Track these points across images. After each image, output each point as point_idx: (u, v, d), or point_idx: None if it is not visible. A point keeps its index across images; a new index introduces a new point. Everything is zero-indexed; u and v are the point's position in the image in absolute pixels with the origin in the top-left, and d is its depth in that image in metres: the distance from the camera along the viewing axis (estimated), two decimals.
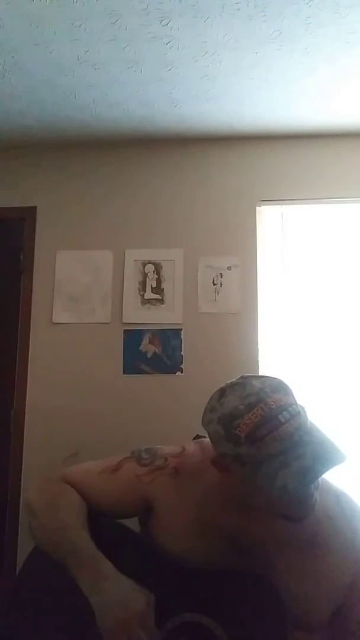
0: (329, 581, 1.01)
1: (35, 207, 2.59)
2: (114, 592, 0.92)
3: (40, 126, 2.43)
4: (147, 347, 2.42)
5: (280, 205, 2.51)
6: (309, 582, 1.00)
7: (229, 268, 2.44)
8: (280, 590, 0.97)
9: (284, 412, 0.89)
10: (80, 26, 1.75)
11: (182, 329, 2.42)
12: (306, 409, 0.95)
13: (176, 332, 2.41)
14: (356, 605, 1.02)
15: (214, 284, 2.44)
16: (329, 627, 1.07)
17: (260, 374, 1.01)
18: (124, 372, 2.41)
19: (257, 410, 0.89)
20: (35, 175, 2.61)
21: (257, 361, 2.35)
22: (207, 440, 0.98)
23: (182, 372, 2.38)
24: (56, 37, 1.81)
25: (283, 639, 0.93)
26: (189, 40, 1.81)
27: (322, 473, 0.87)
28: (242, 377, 0.98)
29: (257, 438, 0.87)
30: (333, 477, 1.08)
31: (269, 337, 2.40)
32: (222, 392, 0.96)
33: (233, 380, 0.98)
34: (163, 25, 1.74)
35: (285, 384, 0.96)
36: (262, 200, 2.51)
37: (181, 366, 2.39)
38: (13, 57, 1.91)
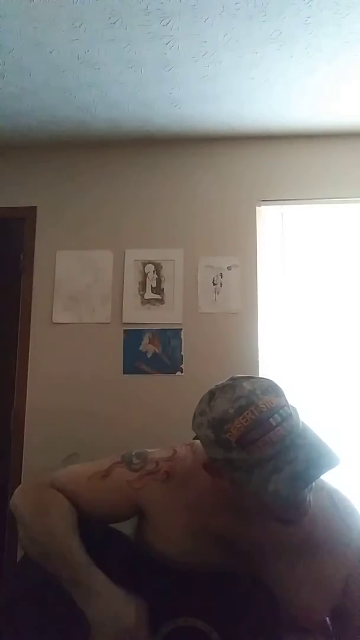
0: (325, 580, 1.00)
1: (35, 207, 2.59)
2: (105, 609, 0.91)
3: (40, 126, 2.43)
4: (147, 347, 2.41)
5: (280, 205, 2.51)
6: (305, 582, 0.99)
7: (229, 268, 2.44)
8: (275, 592, 0.96)
9: (275, 415, 0.87)
10: (80, 26, 1.75)
11: (182, 329, 2.42)
12: (298, 410, 0.93)
13: (176, 332, 2.41)
14: (358, 602, 1.02)
15: (214, 284, 2.44)
16: (335, 626, 1.06)
17: (251, 374, 0.98)
18: (124, 372, 2.41)
19: (248, 413, 0.87)
20: (35, 175, 2.61)
21: (257, 361, 2.34)
22: (199, 442, 0.96)
23: (182, 372, 2.38)
24: (56, 37, 1.80)
25: None
26: (189, 40, 1.81)
27: (316, 478, 0.86)
28: (231, 379, 0.96)
29: (248, 442, 0.85)
30: (328, 476, 1.07)
31: (269, 337, 2.40)
32: (211, 395, 0.94)
33: (223, 381, 0.96)
34: (163, 25, 1.74)
35: (276, 385, 0.93)
36: (262, 200, 2.51)
37: (181, 366, 2.39)
38: (13, 57, 1.91)
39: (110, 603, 0.91)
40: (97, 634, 0.90)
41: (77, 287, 2.49)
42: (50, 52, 1.89)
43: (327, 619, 1.08)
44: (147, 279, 2.47)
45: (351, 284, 2.42)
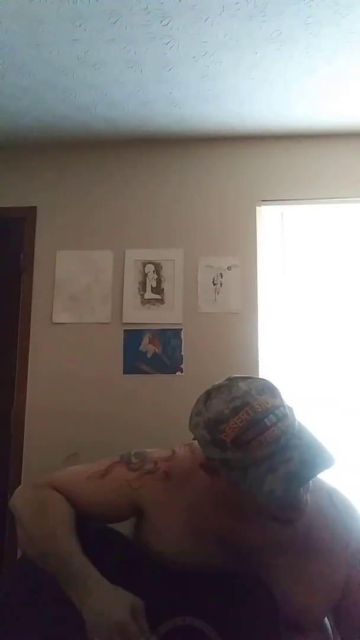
0: (324, 581, 1.00)
1: (35, 207, 2.59)
2: (97, 605, 0.91)
3: (40, 126, 2.43)
4: (147, 347, 2.41)
5: (280, 205, 2.51)
6: (303, 582, 0.99)
7: (229, 268, 2.44)
8: (274, 591, 0.96)
9: (270, 416, 0.87)
10: (80, 26, 1.75)
11: (182, 329, 2.42)
12: (295, 410, 0.94)
13: (176, 332, 2.41)
14: (358, 602, 1.02)
15: (214, 284, 2.44)
16: (334, 626, 1.06)
17: (249, 374, 0.99)
18: (124, 372, 2.41)
19: (243, 414, 0.87)
20: (35, 175, 2.61)
21: (257, 361, 2.34)
22: (197, 442, 0.97)
23: (182, 372, 2.38)
24: (56, 37, 1.80)
25: None
26: (189, 40, 1.81)
27: (310, 478, 0.86)
28: (228, 379, 0.96)
29: (243, 442, 0.86)
30: (328, 476, 1.07)
31: (269, 337, 2.40)
32: (207, 395, 0.95)
33: (220, 382, 0.97)
34: (163, 25, 1.74)
35: (272, 385, 0.94)
36: (262, 200, 2.51)
37: (181, 366, 2.39)
38: (13, 57, 1.91)
39: (103, 599, 0.92)
40: (89, 630, 0.90)
41: (77, 287, 2.49)
42: (50, 52, 1.89)
43: (326, 619, 1.08)
44: (147, 279, 2.47)
45: (351, 284, 2.42)
